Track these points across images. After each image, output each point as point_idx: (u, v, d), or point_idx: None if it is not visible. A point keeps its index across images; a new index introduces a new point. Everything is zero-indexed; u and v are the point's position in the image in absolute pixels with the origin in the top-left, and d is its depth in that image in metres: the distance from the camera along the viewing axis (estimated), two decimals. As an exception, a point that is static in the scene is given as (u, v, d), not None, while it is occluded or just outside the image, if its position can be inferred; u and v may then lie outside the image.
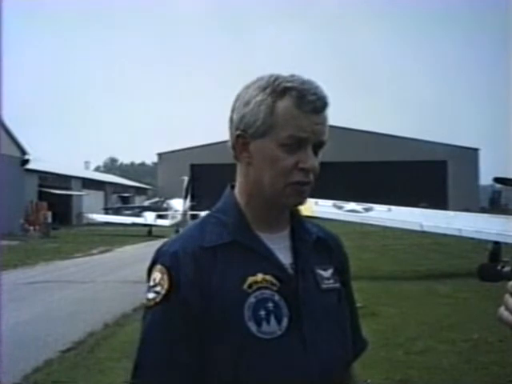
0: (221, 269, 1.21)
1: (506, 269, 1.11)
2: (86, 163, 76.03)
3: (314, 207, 12.30)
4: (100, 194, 55.39)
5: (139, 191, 66.60)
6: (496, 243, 11.57)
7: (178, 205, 34.06)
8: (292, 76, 1.24)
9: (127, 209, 49.24)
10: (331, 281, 1.31)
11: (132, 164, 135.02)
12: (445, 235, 13.64)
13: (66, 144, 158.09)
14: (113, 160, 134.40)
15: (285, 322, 1.20)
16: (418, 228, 13.15)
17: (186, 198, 32.54)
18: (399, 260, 17.16)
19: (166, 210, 38.40)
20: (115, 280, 13.75)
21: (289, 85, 1.21)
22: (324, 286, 1.29)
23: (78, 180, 51.21)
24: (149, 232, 34.14)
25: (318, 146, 1.24)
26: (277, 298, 1.21)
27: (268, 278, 1.22)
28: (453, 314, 8.64)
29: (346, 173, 52.55)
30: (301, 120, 1.20)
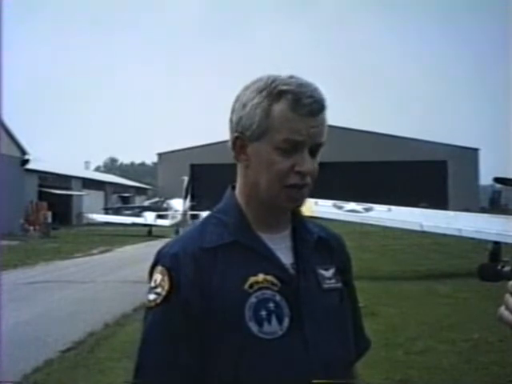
0: (221, 269, 1.21)
1: (506, 268, 1.11)
2: (86, 163, 76.05)
3: (314, 207, 12.31)
4: (100, 194, 55.38)
5: (139, 191, 66.59)
6: (496, 243, 11.57)
7: (178, 205, 34.03)
8: (290, 78, 1.24)
9: (127, 209, 49.23)
10: (333, 281, 1.31)
11: (132, 164, 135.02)
12: (445, 235, 13.64)
13: (66, 144, 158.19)
14: (113, 160, 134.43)
15: (286, 322, 1.20)
16: (418, 228, 13.15)
17: (185, 198, 32.52)
18: (399, 260, 17.15)
19: (165, 210, 38.37)
20: (115, 280, 13.75)
21: (285, 88, 1.21)
22: (325, 286, 1.29)
23: (78, 180, 51.20)
24: (149, 232, 34.14)
25: (315, 148, 1.24)
26: (278, 298, 1.21)
27: (269, 278, 1.22)
28: (453, 314, 8.64)
29: (346, 173, 52.54)
30: (296, 123, 1.20)
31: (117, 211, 47.55)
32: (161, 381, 1.20)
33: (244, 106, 1.25)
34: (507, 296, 1.05)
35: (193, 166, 54.68)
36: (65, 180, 48.45)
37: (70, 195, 47.78)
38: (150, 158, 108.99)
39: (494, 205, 53.05)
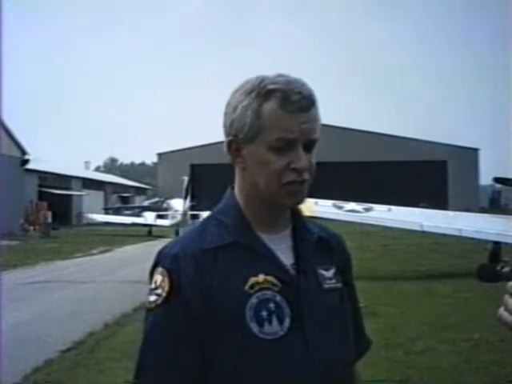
0: (222, 270, 1.21)
1: (506, 269, 1.11)
2: (86, 163, 76.10)
3: (314, 207, 12.31)
4: (100, 194, 55.39)
5: (139, 191, 66.60)
6: (496, 243, 11.59)
7: (178, 205, 34.02)
8: (278, 76, 1.23)
9: (127, 209, 49.25)
10: (333, 281, 1.31)
11: (132, 164, 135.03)
12: (445, 235, 13.64)
13: (66, 144, 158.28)
14: (113, 160, 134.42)
15: (287, 322, 1.20)
16: (418, 228, 13.15)
17: (185, 198, 32.50)
18: (399, 260, 17.15)
19: (166, 210, 38.37)
20: (115, 280, 13.75)
21: (273, 87, 1.21)
22: (326, 286, 1.29)
23: (78, 180, 51.20)
24: (149, 232, 34.15)
25: (309, 145, 1.23)
26: (278, 298, 1.21)
27: (269, 278, 1.22)
28: (453, 314, 8.63)
29: (346, 173, 52.52)
30: (287, 121, 1.20)
31: (117, 211, 47.56)
32: (161, 381, 1.20)
33: (235, 108, 1.25)
34: (506, 297, 1.06)
35: (193, 166, 54.67)
36: (65, 180, 48.45)
37: (70, 195, 47.79)
38: (150, 158, 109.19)
39: (494, 205, 53.03)
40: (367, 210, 13.74)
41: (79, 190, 49.81)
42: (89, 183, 52.76)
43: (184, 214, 31.29)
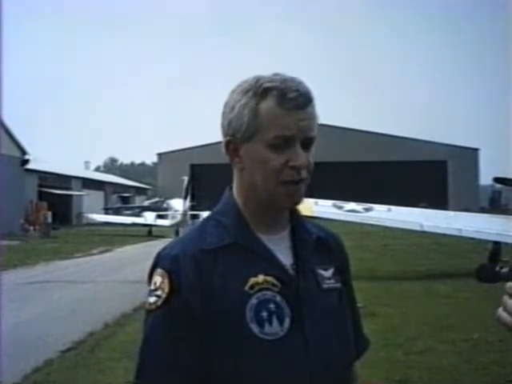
0: (222, 271, 1.21)
1: (504, 270, 1.11)
2: (86, 163, 76.09)
3: (314, 207, 12.31)
4: (100, 194, 55.38)
5: (139, 191, 66.60)
6: (496, 243, 11.58)
7: (178, 205, 34.01)
8: (274, 75, 1.24)
9: (127, 209, 49.24)
10: (332, 281, 1.32)
11: (132, 164, 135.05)
12: (445, 235, 13.63)
13: (66, 144, 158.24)
14: (113, 160, 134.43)
15: (287, 322, 1.21)
16: (418, 228, 13.14)
17: (185, 198, 32.50)
18: (399, 260, 17.15)
19: (166, 210, 38.36)
20: (115, 280, 13.75)
21: (269, 85, 1.21)
22: (325, 286, 1.29)
23: (78, 180, 51.20)
24: (149, 232, 34.15)
25: (307, 143, 1.23)
26: (278, 298, 1.21)
27: (269, 279, 1.22)
28: (453, 314, 8.64)
29: (346, 173, 52.54)
30: (285, 118, 1.20)
31: (117, 211, 47.55)
32: (162, 382, 1.20)
33: (232, 108, 1.25)
34: (505, 297, 1.06)
35: (193, 166, 54.66)
36: (65, 180, 48.45)
37: (70, 195, 47.78)
38: (150, 158, 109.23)
39: (494, 205, 53.03)
40: (367, 209, 13.74)
41: (79, 190, 49.81)
42: (89, 183, 52.76)
43: (184, 213, 31.29)
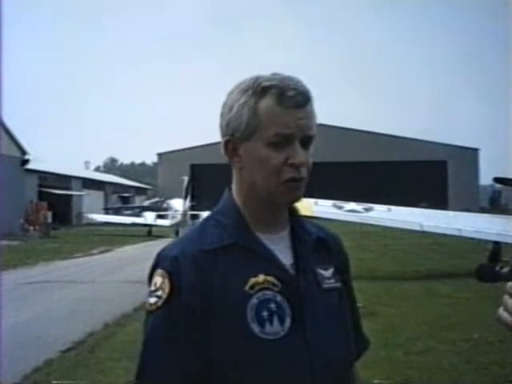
0: (222, 271, 1.21)
1: (505, 270, 1.11)
2: (86, 163, 76.12)
3: (314, 207, 12.32)
4: (100, 194, 55.38)
5: (139, 191, 66.59)
6: (496, 243, 11.58)
7: (178, 205, 34.02)
8: (273, 74, 1.24)
9: (127, 209, 49.24)
10: (332, 280, 1.32)
11: (132, 164, 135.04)
12: (445, 235, 13.63)
13: (66, 144, 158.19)
14: (113, 160, 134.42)
15: (287, 322, 1.21)
16: (418, 228, 13.14)
17: (185, 198, 32.50)
18: (399, 260, 17.15)
19: (166, 210, 38.37)
20: (115, 280, 13.76)
21: (268, 83, 1.22)
22: (325, 286, 1.29)
23: (78, 180, 51.20)
24: (149, 232, 34.15)
25: (306, 141, 1.23)
26: (279, 298, 1.21)
27: (269, 278, 1.22)
28: (453, 314, 8.64)
29: (345, 173, 52.54)
30: (284, 117, 1.20)
31: (117, 211, 47.56)
32: (162, 382, 1.20)
33: (231, 108, 1.25)
34: (506, 297, 1.06)
35: (193, 166, 54.65)
36: (65, 180, 48.45)
37: (70, 195, 47.78)
38: (150, 158, 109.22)
39: (494, 205, 53.01)
40: (367, 210, 13.74)
41: (79, 190, 49.81)
42: (89, 183, 52.76)
43: (184, 214, 31.30)
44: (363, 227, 19.41)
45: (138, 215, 39.87)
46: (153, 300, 1.22)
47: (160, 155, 61.24)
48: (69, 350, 7.01)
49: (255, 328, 1.18)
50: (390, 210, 13.80)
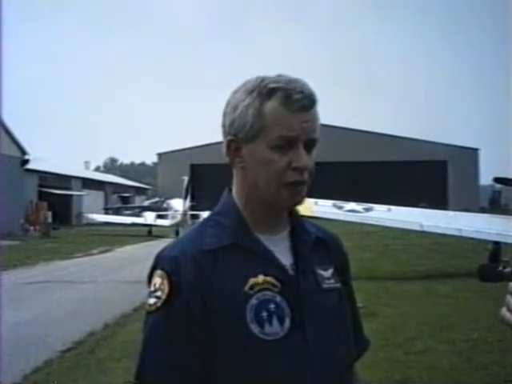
0: (221, 271, 1.21)
1: (507, 269, 1.11)
2: (86, 163, 76.13)
3: (314, 207, 12.30)
4: (100, 194, 55.37)
5: (139, 191, 66.58)
6: (496, 243, 11.58)
7: (178, 205, 34.01)
8: (278, 76, 1.24)
9: (127, 209, 49.22)
10: (332, 280, 1.31)
11: (132, 164, 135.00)
12: (445, 235, 13.63)
13: (66, 144, 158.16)
14: (113, 160, 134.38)
15: (287, 322, 1.20)
16: (418, 228, 13.14)
17: (185, 198, 32.50)
18: (399, 260, 17.15)
19: (166, 210, 38.35)
20: (115, 280, 13.75)
21: (274, 85, 1.21)
22: (325, 286, 1.29)
23: (78, 180, 51.20)
24: (149, 232, 34.15)
25: (309, 144, 1.23)
26: (278, 299, 1.21)
27: (269, 279, 1.22)
28: (453, 314, 8.63)
29: (345, 173, 52.53)
30: (289, 119, 1.20)
31: (117, 211, 47.53)
32: (162, 383, 1.19)
33: (235, 108, 1.25)
34: (508, 297, 1.05)
35: (193, 166, 54.64)
36: (65, 180, 48.45)
37: (70, 195, 47.78)
38: (150, 158, 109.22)
39: (494, 205, 53.05)
40: (367, 210, 13.74)
41: (79, 190, 49.81)
42: (89, 183, 52.76)
43: (184, 214, 31.30)
44: (363, 227, 19.41)
45: (137, 215, 39.87)
46: (152, 300, 1.22)
47: (160, 155, 61.23)
48: (69, 350, 7.01)
49: (254, 328, 1.18)
50: (389, 210, 13.80)
